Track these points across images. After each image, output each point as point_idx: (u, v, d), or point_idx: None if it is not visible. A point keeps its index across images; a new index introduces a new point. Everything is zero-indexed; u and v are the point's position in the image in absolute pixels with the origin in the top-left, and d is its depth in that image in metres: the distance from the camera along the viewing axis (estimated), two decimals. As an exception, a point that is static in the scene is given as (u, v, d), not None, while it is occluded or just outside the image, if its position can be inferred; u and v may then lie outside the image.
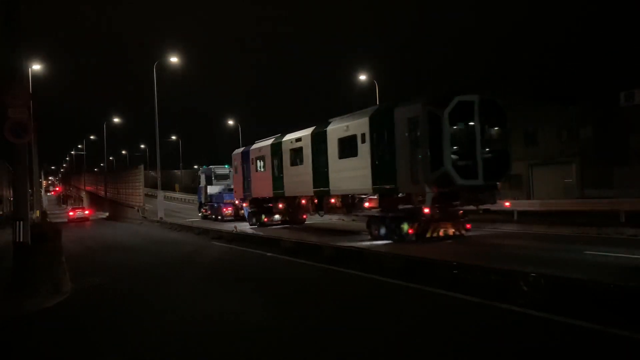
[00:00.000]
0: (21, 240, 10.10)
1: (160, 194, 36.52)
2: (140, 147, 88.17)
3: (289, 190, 21.88)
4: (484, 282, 7.99)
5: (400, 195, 15.91)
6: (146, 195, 42.85)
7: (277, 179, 22.63)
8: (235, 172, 27.43)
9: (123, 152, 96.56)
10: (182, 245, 19.02)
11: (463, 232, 16.12)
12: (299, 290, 9.46)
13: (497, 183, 15.38)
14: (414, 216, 15.25)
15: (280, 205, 23.31)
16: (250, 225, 25.72)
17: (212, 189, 33.67)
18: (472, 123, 14.44)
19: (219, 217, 31.74)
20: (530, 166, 37.09)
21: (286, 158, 21.84)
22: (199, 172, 38.58)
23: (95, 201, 61.04)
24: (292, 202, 22.50)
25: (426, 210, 14.45)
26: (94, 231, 31.05)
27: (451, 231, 15.80)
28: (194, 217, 35.51)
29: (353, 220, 21.46)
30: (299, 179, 20.78)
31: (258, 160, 24.62)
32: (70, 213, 47.00)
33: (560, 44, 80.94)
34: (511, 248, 13.83)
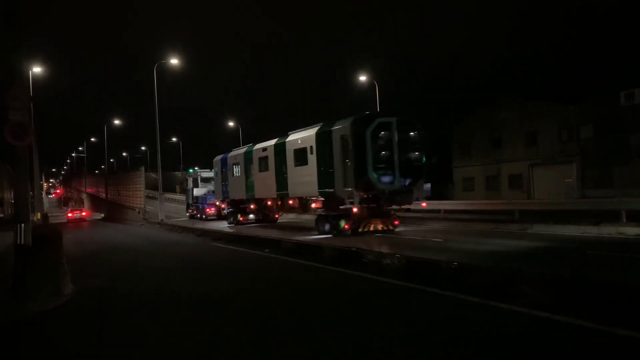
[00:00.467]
0: (22, 242, 10.12)
1: (161, 196, 36.58)
2: (141, 149, 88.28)
3: (259, 193, 25.14)
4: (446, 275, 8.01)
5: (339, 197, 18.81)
6: (147, 197, 42.99)
7: (249, 183, 25.87)
8: (216, 176, 30.42)
9: (124, 154, 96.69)
10: (182, 247, 19.04)
11: (391, 227, 19.13)
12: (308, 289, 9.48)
13: (413, 187, 18.60)
14: (348, 215, 18.28)
15: (252, 206, 26.78)
16: (229, 224, 28.55)
17: (197, 191, 37.02)
18: (390, 139, 17.98)
19: (204, 217, 34.99)
20: (530, 166, 37.14)
21: (256, 165, 25.06)
22: (187, 176, 41.09)
23: (96, 203, 61.11)
24: (263, 204, 25.75)
25: (355, 210, 17.85)
26: (95, 233, 31.06)
27: (380, 226, 18.94)
28: (185, 217, 38.18)
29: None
30: (266, 183, 23.94)
31: (234, 166, 27.82)
32: (69, 214, 51.17)
33: (560, 43, 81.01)
34: (423, 241, 16.56)
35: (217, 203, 32.38)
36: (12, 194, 59.66)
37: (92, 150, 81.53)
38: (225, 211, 30.60)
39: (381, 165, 17.82)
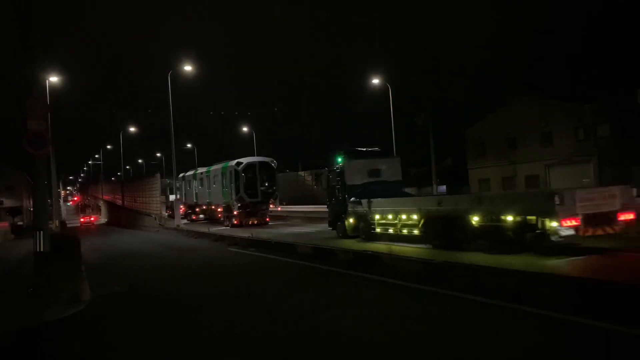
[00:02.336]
0: (41, 249, 10.25)
1: (176, 201, 36.79)
2: (156, 156, 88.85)
3: (200, 200, 37.60)
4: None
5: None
6: (163, 202, 43.40)
7: (195, 193, 38.34)
8: (180, 187, 40.83)
9: (139, 160, 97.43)
10: (199, 252, 19.14)
11: (262, 222, 29.66)
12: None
13: (269, 200, 31.36)
14: (235, 216, 29.82)
15: (198, 209, 38.88)
16: (185, 222, 36.90)
17: (172, 197, 43.09)
18: (255, 174, 29.82)
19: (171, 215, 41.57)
20: (546, 166, 36.77)
21: (198, 182, 37.72)
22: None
23: (113, 210, 61.71)
24: (204, 207, 37.38)
25: (235, 213, 29.77)
26: (112, 239, 31.32)
27: (255, 222, 29.33)
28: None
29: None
30: (203, 194, 36.62)
31: (188, 181, 40.51)
32: (82, 219, 64.49)
33: (575, 42, 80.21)
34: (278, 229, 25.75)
35: (182, 207, 40.09)
36: (31, 202, 60.63)
37: (108, 158, 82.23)
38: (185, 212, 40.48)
39: (249, 190, 29.46)
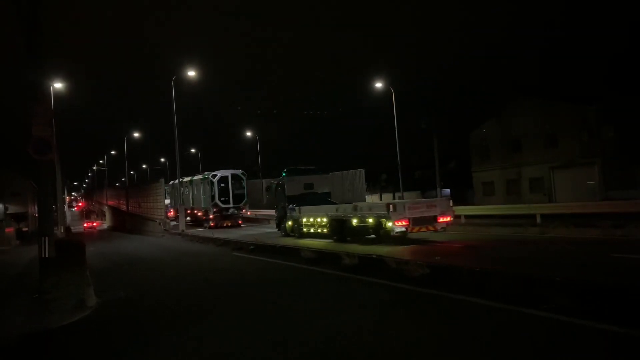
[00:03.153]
0: (46, 255, 10.29)
1: (181, 206, 36.86)
2: (160, 161, 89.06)
3: (185, 205, 40.38)
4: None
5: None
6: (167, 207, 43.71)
7: (182, 199, 42.59)
8: (170, 194, 46.22)
9: (143, 166, 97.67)
10: (204, 257, 19.15)
11: (235, 224, 35.63)
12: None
13: (240, 206, 36.78)
14: (211, 219, 35.47)
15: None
16: (174, 224, 38.99)
17: (167, 201, 46.07)
18: (227, 184, 35.87)
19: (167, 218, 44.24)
20: (551, 169, 36.66)
21: (184, 189, 42.74)
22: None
23: (118, 215, 61.81)
24: (189, 211, 40.20)
25: (211, 216, 35.60)
26: (117, 245, 31.37)
27: (229, 224, 35.38)
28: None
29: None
30: (187, 200, 41.79)
31: (176, 188, 43.95)
32: (85, 225, 69.28)
33: (579, 43, 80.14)
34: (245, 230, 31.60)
35: (172, 210, 44.08)
36: (36, 208, 60.83)
37: (112, 163, 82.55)
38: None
39: (222, 197, 35.40)
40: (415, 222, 16.94)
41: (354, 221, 18.78)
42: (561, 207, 24.39)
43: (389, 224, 16.81)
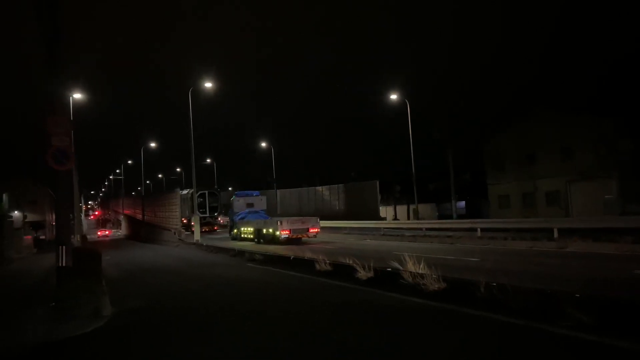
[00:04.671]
0: (64, 264, 10.39)
1: (196, 216, 37.04)
2: (176, 170, 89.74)
3: (182, 214, 43.91)
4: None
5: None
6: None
7: (186, 210, 45.35)
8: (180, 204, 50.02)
9: (159, 175, 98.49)
10: (218, 268, 19.19)
11: (211, 230, 43.91)
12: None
13: (215, 215, 46.11)
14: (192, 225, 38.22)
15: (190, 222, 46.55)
16: (186, 230, 42.02)
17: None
18: (205, 198, 44.58)
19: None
20: (567, 182, 36.25)
21: (182, 201, 44.71)
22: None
23: (133, 224, 62.29)
24: (184, 220, 43.78)
25: (192, 224, 36.99)
26: (133, 254, 31.58)
27: (207, 229, 41.98)
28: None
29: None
30: (183, 210, 44.16)
31: (186, 199, 46.71)
32: (99, 233, 76.03)
33: (595, 54, 79.51)
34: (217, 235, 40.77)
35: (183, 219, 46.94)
36: (53, 216, 61.51)
37: (129, 172, 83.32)
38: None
39: (201, 209, 42.44)
40: (294, 231, 27.19)
41: (264, 230, 28.94)
42: (579, 221, 24.06)
43: (277, 232, 27.07)
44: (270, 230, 27.87)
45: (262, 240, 28.89)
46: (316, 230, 27.91)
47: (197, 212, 38.89)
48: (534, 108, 40.42)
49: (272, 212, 44.66)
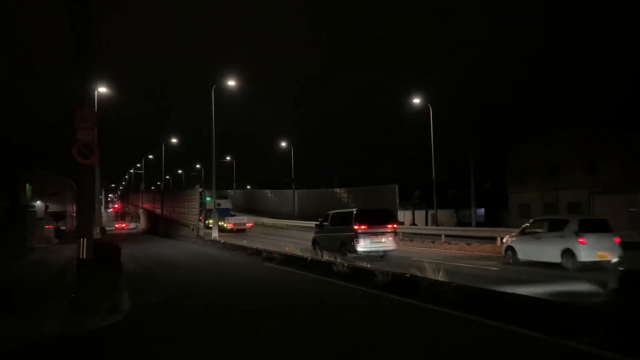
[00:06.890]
0: (84, 256, 10.46)
1: (215, 213, 37.24)
2: (196, 167, 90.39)
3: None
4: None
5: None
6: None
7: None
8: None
9: (179, 171, 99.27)
10: (235, 266, 19.25)
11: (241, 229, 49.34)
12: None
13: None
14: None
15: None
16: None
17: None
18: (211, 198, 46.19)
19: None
20: (591, 194, 35.72)
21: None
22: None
23: (152, 218, 62.82)
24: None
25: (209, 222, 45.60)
26: (151, 249, 31.80)
27: (235, 227, 48.13)
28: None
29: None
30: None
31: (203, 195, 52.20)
32: (116, 225, 78.62)
33: (624, 68, 78.28)
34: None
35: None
36: (74, 207, 62.40)
37: (149, 167, 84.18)
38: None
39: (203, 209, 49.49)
40: (236, 225, 44.85)
41: (220, 223, 39.79)
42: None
43: (225, 225, 42.29)
44: (222, 222, 42.37)
45: (220, 231, 37.76)
46: (250, 224, 47.53)
47: (216, 211, 39.30)
48: (560, 120, 39.95)
49: (252, 212, 59.51)
